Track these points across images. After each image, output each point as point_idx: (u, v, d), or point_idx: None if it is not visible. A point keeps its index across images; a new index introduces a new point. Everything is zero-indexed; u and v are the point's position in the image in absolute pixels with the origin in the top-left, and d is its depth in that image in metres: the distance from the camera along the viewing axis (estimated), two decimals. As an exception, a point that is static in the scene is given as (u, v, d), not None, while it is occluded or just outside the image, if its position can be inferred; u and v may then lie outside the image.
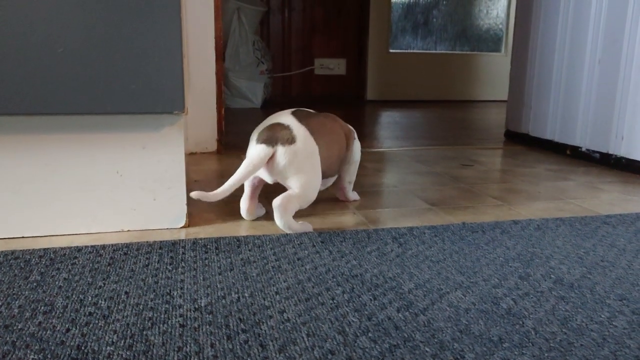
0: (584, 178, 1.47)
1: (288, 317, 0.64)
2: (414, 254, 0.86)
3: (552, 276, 0.79)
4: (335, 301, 0.69)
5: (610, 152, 1.59)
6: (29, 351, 0.56)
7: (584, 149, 1.70)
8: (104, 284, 0.72)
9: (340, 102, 3.38)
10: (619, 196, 1.28)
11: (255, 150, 0.92)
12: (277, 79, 3.39)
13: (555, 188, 1.35)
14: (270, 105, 3.17)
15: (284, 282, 0.74)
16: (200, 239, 0.91)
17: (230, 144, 1.86)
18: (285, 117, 0.97)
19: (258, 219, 1.04)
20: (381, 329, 0.62)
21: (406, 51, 3.67)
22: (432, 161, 1.67)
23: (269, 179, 0.96)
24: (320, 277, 0.76)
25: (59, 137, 0.90)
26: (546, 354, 0.58)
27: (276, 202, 0.93)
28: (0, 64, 0.83)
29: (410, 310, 0.67)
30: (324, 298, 0.70)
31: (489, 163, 1.68)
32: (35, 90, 0.85)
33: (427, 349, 0.58)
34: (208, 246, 0.87)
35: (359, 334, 0.61)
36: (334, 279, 0.75)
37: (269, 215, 1.07)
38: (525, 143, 2.00)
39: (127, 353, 0.56)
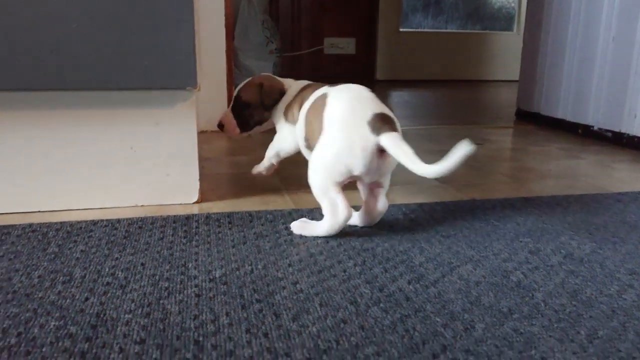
0: (596, 157, 1.46)
1: (301, 288, 0.65)
2: (425, 229, 0.87)
3: (562, 251, 0.79)
4: (347, 273, 0.70)
5: (623, 130, 1.58)
6: (50, 318, 0.58)
7: (596, 128, 1.69)
8: (120, 255, 0.74)
9: (350, 81, 3.37)
10: (631, 174, 1.27)
11: (368, 138, 0.77)
12: (286, 59, 3.37)
13: (566, 166, 1.35)
14: (280, 85, 3.16)
15: (296, 255, 0.75)
16: (213, 213, 0.92)
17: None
18: (376, 103, 0.83)
19: (268, 193, 1.05)
20: (392, 300, 0.63)
21: (417, 30, 3.64)
22: (442, 140, 1.66)
23: (367, 178, 0.81)
24: (332, 250, 0.77)
25: (74, 113, 0.91)
26: (555, 325, 0.59)
27: (384, 207, 0.86)
28: (15, 40, 0.83)
29: (421, 283, 0.68)
30: (335, 270, 0.71)
31: (499, 142, 1.67)
32: (50, 66, 0.85)
33: (438, 319, 0.59)
34: (221, 220, 0.88)
35: (370, 305, 0.62)
36: (346, 253, 0.76)
37: (276, 191, 1.08)
38: (536, 122, 1.99)
39: (145, 320, 0.58)
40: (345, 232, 0.84)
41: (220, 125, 1.01)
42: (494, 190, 1.12)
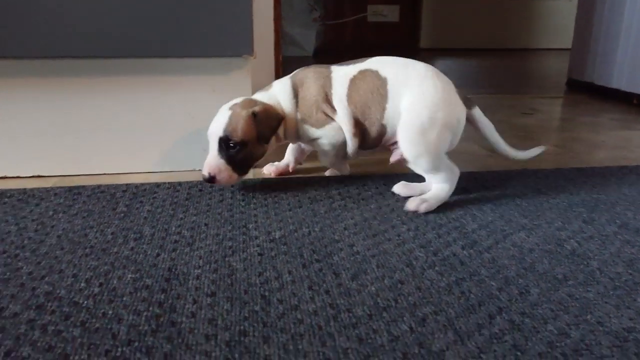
0: (652, 128, 1.41)
1: (357, 250, 0.68)
2: (476, 197, 0.87)
3: (617, 221, 0.79)
4: (401, 238, 0.72)
5: (682, 101, 1.52)
6: (126, 271, 0.62)
7: (652, 98, 1.63)
8: (184, 216, 0.78)
9: (393, 50, 3.32)
10: (690, 146, 1.23)
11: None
12: (329, 27, 3.34)
13: (619, 137, 1.32)
14: (322, 54, 3.15)
15: (351, 219, 0.78)
16: (269, 178, 0.95)
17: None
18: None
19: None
20: (447, 264, 0.65)
21: (463, -4, 3.53)
22: (489, 109, 1.64)
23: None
24: (385, 216, 0.79)
25: (136, 80, 0.95)
26: (611, 292, 0.59)
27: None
28: (77, 9, 0.87)
29: (475, 248, 0.69)
30: (390, 235, 0.73)
31: (549, 112, 1.64)
32: (114, 34, 0.89)
33: (493, 283, 0.61)
34: (276, 185, 0.91)
35: (425, 268, 0.64)
36: (399, 218, 0.78)
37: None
38: (588, 92, 1.93)
39: (214, 275, 0.61)
40: (397, 199, 0.86)
41: (211, 179, 0.81)
42: (544, 160, 1.11)
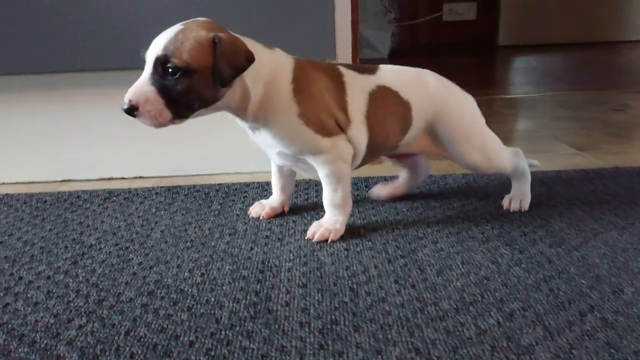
0: None
1: (441, 247, 0.69)
2: (564, 196, 0.85)
3: None
4: (485, 235, 0.72)
5: None
6: (224, 263, 0.67)
7: None
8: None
9: (470, 49, 3.25)
10: None
11: None
12: (403, 28, 3.33)
13: None
14: (397, 55, 3.15)
15: (433, 217, 0.79)
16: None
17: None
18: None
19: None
20: (534, 261, 0.65)
21: (544, -10, 3.39)
22: (576, 106, 1.58)
23: None
24: (468, 214, 0.80)
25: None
26: None
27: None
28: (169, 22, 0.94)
29: (563, 247, 0.68)
30: (473, 232, 0.73)
31: (642, 107, 1.55)
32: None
33: (583, 281, 0.60)
34: (358, 184, 0.94)
35: (512, 265, 0.64)
36: (482, 217, 0.78)
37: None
38: (687, 85, 1.80)
39: (304, 268, 0.65)
40: (480, 198, 0.86)
41: (132, 109, 0.60)
42: (638, 158, 1.06)
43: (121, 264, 0.69)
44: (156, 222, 0.81)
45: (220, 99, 0.64)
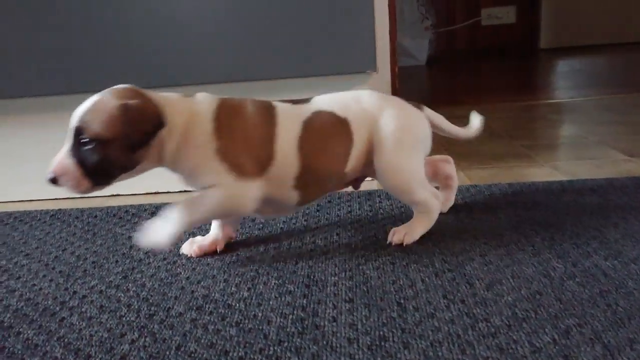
0: None
1: (490, 260, 0.68)
2: (617, 205, 0.82)
3: None
4: (535, 248, 0.70)
5: None
6: (270, 277, 0.68)
7: None
8: (317, 227, 0.83)
9: (510, 53, 3.19)
10: None
11: None
12: (441, 34, 3.30)
13: None
14: (435, 62, 3.12)
15: (480, 229, 0.77)
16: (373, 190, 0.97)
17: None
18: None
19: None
20: (589, 275, 0.63)
21: (587, -10, 3.30)
22: (625, 110, 1.52)
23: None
24: (516, 225, 0.78)
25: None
26: None
27: None
28: (222, 42, 0.96)
29: (619, 259, 0.66)
30: (523, 244, 0.71)
31: (698, 109, 1.48)
32: (249, 58, 0.97)
33: (643, 296, 0.57)
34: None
35: (565, 278, 0.62)
36: (532, 228, 0.76)
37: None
38: None
39: (349, 282, 0.65)
40: (528, 207, 0.83)
41: (54, 180, 0.62)
42: (696, 163, 1.01)
43: (170, 278, 0.70)
44: (202, 236, 0.82)
45: (142, 162, 0.65)
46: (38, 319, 0.63)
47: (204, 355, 0.53)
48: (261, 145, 0.68)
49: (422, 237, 0.75)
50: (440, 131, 0.81)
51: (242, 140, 0.67)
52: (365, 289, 0.63)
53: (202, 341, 0.55)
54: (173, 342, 0.56)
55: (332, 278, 0.66)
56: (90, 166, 0.62)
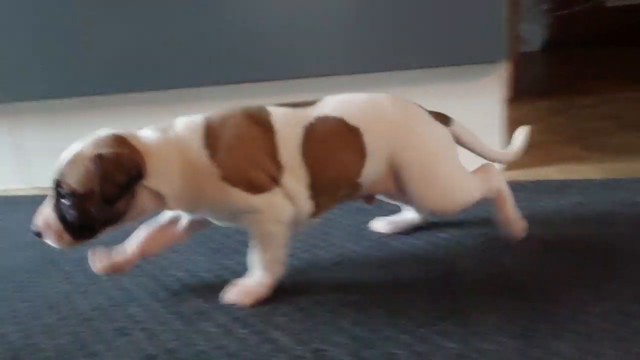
0: None
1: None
2: None
3: None
4: None
5: None
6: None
7: None
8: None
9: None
10: None
11: None
12: (558, 18, 3.11)
13: None
14: (552, 48, 2.95)
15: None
16: (520, 181, 0.95)
17: (523, 91, 1.83)
18: None
19: (572, 162, 1.03)
20: None
21: None
22: None
23: None
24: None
25: (404, 89, 1.04)
26: None
27: None
28: (338, 34, 0.99)
29: None
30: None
31: None
32: (367, 50, 1.00)
33: None
34: (529, 187, 0.91)
35: None
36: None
37: (580, 160, 1.05)
38: None
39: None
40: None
41: (38, 234, 0.61)
42: None
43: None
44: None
45: (125, 213, 0.60)
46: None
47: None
48: (267, 158, 0.62)
49: (562, 228, 0.74)
50: (470, 150, 0.72)
51: (243, 157, 0.62)
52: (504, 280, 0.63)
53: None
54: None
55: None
56: (70, 220, 0.59)
